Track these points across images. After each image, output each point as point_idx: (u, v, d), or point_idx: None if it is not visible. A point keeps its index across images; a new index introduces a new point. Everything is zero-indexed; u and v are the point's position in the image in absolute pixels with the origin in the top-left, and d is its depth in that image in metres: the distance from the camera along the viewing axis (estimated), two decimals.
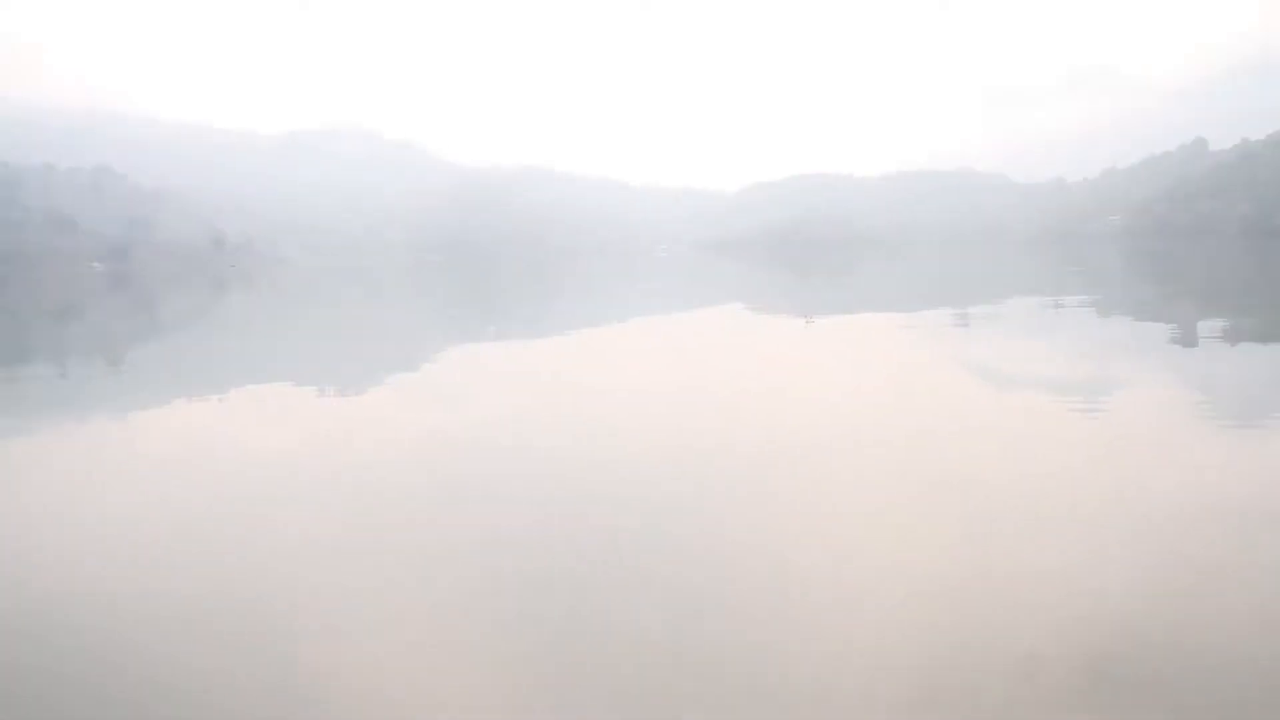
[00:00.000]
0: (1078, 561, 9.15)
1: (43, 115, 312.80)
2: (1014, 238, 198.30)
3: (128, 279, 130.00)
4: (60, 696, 7.19)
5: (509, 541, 10.39)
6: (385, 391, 23.05)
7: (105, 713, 7.01)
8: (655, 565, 9.50)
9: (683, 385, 21.46)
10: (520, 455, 14.80)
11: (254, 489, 13.15)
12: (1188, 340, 28.61)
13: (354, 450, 15.72)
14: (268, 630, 8.23)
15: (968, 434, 15.30)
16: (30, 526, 11.75)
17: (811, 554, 9.80)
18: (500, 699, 7.06)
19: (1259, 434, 14.97)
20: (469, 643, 7.98)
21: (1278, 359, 23.68)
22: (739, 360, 26.49)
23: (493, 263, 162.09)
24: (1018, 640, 7.48)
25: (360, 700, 7.06)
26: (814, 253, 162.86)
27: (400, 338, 38.84)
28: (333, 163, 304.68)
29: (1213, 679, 6.80)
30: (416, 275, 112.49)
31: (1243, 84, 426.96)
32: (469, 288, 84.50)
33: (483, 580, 9.32)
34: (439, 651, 7.85)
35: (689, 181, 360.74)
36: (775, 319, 42.98)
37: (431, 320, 49.41)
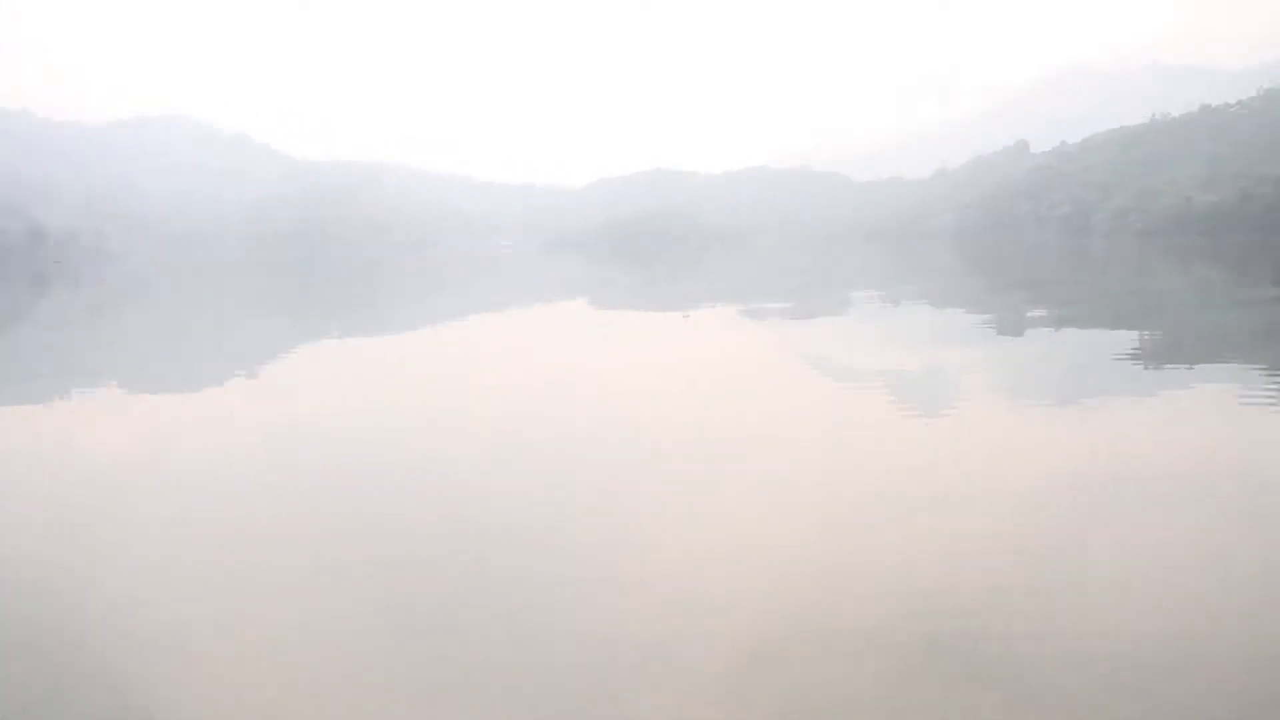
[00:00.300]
0: (924, 544, 9.45)
1: None
2: (853, 234, 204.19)
3: None
4: None
5: (352, 535, 10.15)
6: (224, 391, 22.13)
7: None
8: (504, 556, 9.41)
9: (520, 380, 21.33)
10: (363, 450, 14.46)
11: (85, 492, 12.50)
12: (1017, 329, 30.03)
13: (190, 449, 15.09)
14: (98, 638, 7.82)
15: (822, 425, 15.68)
16: None
17: (669, 539, 9.86)
18: (341, 691, 6.87)
19: (1086, 414, 15.76)
20: (310, 638, 7.73)
21: (1097, 343, 24.97)
22: (580, 356, 26.49)
23: (335, 258, 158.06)
24: (860, 621, 7.68)
25: (196, 700, 6.77)
26: (660, 248, 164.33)
27: (240, 336, 37.44)
28: (164, 154, 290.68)
29: (1051, 658, 7.11)
30: (255, 271, 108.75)
31: (1061, 92, 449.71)
32: (310, 284, 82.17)
33: (325, 572, 9.06)
34: (281, 648, 7.59)
35: (534, 177, 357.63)
36: (621, 314, 43.13)
37: (272, 317, 47.88)
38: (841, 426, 15.17)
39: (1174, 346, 24.84)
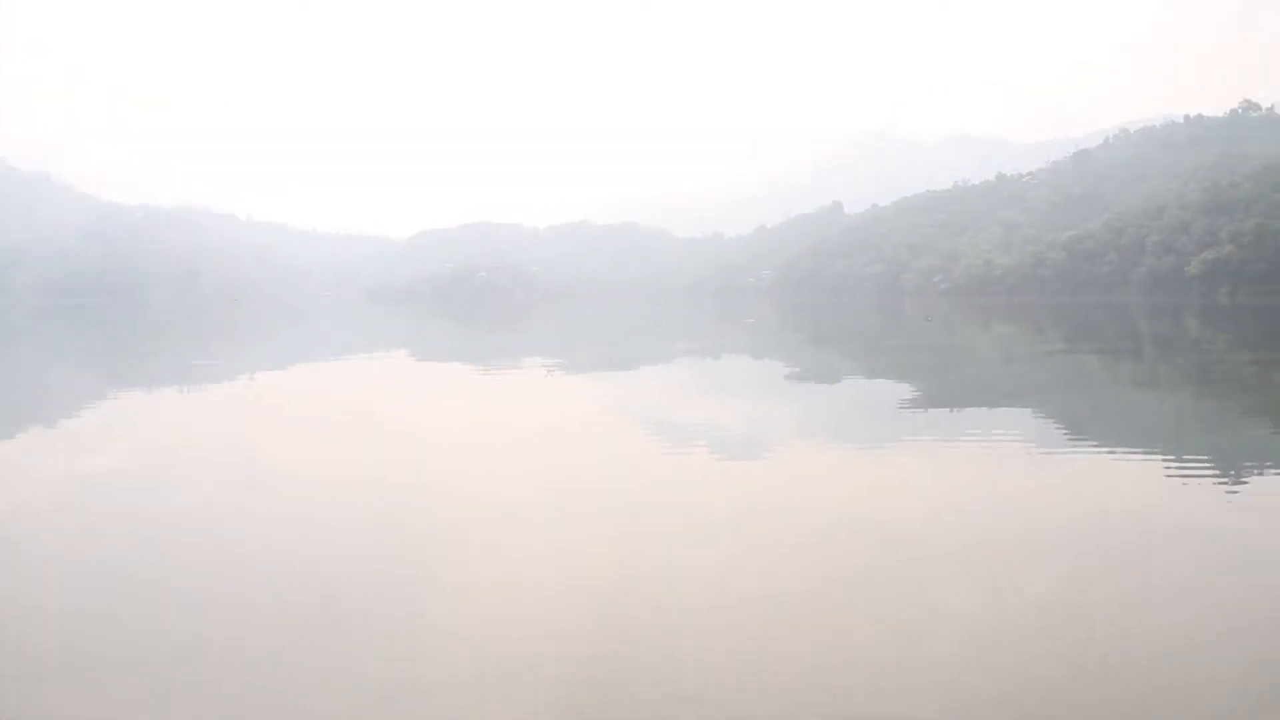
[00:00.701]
0: (733, 576, 9.69)
1: None
2: (676, 289, 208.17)
3: None
4: None
5: (161, 582, 9.74)
6: (16, 444, 20.78)
7: None
8: (318, 597, 9.20)
9: (336, 432, 20.87)
10: (168, 501, 13.88)
11: None
12: (833, 378, 31.15)
13: None
14: None
15: (647, 472, 15.88)
16: None
17: (490, 586, 9.81)
18: None
19: (899, 456, 16.47)
20: (117, 679, 7.37)
21: (907, 392, 26.14)
22: (398, 409, 26.13)
23: (145, 307, 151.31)
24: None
25: None
26: (485, 301, 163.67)
27: (38, 386, 35.29)
28: None
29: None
30: (56, 320, 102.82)
31: (871, 157, 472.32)
32: (118, 333, 78.09)
33: (138, 616, 8.65)
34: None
35: (356, 227, 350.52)
36: (443, 367, 42.66)
37: (76, 368, 45.33)
38: (665, 473, 15.38)
39: (978, 394, 26.20)
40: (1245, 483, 14.05)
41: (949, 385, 28.35)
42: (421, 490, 14.16)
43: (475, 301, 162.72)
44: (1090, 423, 20.14)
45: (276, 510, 12.89)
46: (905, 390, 26.76)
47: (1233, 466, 15.11)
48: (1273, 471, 14.83)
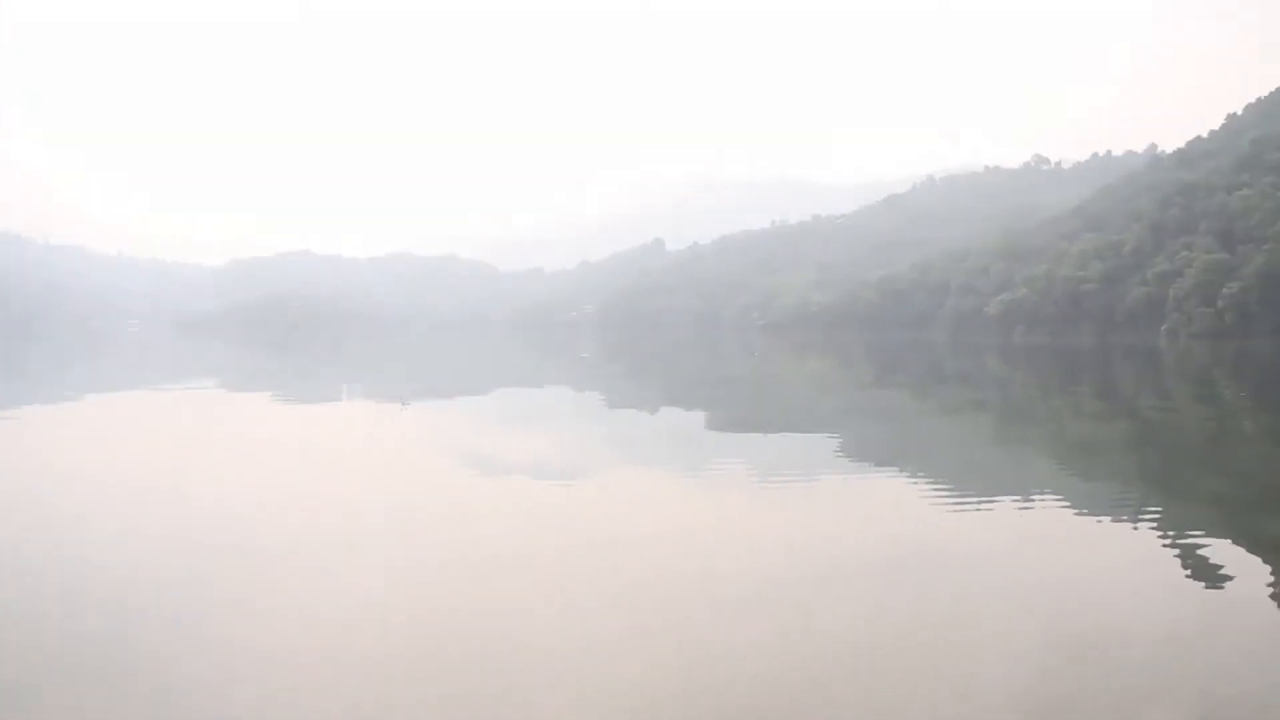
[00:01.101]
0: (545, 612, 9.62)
1: None
2: (498, 321, 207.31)
3: None
4: None
5: None
6: None
7: None
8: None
9: (126, 464, 19.83)
10: None
11: None
12: (652, 408, 31.51)
13: None
14: None
15: (462, 501, 15.67)
16: None
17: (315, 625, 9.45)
18: None
19: (704, 482, 16.70)
20: None
21: (718, 420, 26.65)
22: (196, 442, 25.09)
23: None
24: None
25: None
26: (304, 332, 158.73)
27: None
28: None
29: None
30: None
31: (689, 196, 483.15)
32: None
33: None
34: None
35: (165, 253, 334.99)
36: (250, 397, 41.13)
37: None
38: (479, 503, 15.20)
39: (790, 424, 26.96)
40: (1029, 511, 14.76)
41: (763, 415, 29.07)
42: (221, 521, 13.50)
43: (291, 332, 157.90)
44: (892, 454, 20.81)
45: (66, 550, 12.05)
46: (717, 419, 27.32)
47: (1020, 496, 15.85)
48: (1055, 502, 15.60)
